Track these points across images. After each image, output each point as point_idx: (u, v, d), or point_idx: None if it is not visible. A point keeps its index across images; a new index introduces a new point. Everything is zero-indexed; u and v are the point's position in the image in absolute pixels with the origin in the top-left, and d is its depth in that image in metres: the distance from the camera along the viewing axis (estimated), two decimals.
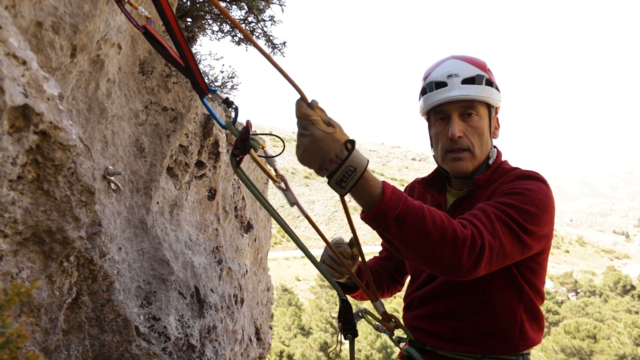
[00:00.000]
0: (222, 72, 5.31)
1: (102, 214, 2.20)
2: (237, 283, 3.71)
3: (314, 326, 35.09)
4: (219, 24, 4.30)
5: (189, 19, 3.98)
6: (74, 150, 1.44)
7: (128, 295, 2.32)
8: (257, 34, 4.40)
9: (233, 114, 1.92)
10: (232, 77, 5.20)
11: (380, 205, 1.49)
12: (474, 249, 1.58)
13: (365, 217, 1.55)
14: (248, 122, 1.82)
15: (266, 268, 4.87)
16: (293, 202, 1.86)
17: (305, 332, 34.93)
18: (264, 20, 4.36)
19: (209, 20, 4.24)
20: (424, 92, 2.08)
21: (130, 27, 2.64)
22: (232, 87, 5.24)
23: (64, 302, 1.58)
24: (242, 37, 4.37)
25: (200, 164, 3.40)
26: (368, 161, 1.47)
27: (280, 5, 4.31)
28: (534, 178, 1.91)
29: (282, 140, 2.13)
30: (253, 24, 4.34)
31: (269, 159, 1.94)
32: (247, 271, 4.07)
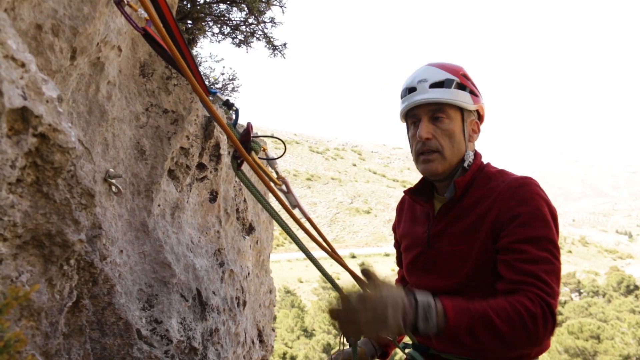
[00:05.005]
0: (222, 74, 5.30)
1: (103, 216, 2.19)
2: (239, 285, 3.70)
3: (317, 328, 35.05)
4: (219, 26, 4.30)
5: (189, 21, 3.97)
6: (73, 152, 1.43)
7: (130, 298, 2.31)
8: (257, 36, 4.39)
9: (234, 117, 1.90)
10: (232, 79, 5.19)
11: (449, 329, 1.57)
12: (547, 322, 1.65)
13: (441, 339, 1.61)
14: (249, 125, 1.82)
15: (268, 270, 4.86)
16: (294, 204, 1.86)
17: (308, 333, 34.89)
18: (265, 22, 4.36)
19: (209, 23, 4.23)
20: (401, 98, 2.17)
21: (131, 29, 2.63)
22: (233, 89, 5.23)
23: (64, 305, 1.57)
24: (242, 39, 4.37)
25: (201, 166, 3.40)
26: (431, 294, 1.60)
27: (281, 6, 4.30)
28: (527, 184, 1.93)
29: (284, 143, 2.13)
30: (253, 25, 4.33)
31: (270, 161, 1.94)
32: (249, 273, 4.06)
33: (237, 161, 1.79)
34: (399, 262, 2.56)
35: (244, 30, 4.27)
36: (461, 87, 2.05)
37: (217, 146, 3.52)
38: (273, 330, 4.93)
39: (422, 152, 2.06)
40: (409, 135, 2.17)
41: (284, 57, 4.44)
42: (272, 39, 4.33)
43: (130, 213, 2.58)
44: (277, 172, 1.99)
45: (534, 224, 1.82)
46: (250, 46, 4.38)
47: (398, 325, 1.50)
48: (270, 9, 4.42)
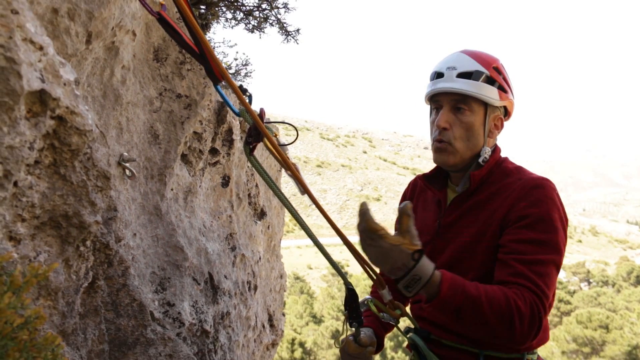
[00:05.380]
0: (235, 59, 5.30)
1: (117, 200, 2.21)
2: (250, 270, 3.73)
3: (326, 314, 35.21)
4: (232, 11, 4.29)
5: (202, 7, 3.97)
6: (90, 135, 1.45)
7: (143, 280, 2.34)
8: (271, 21, 4.38)
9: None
10: (245, 65, 5.18)
11: (438, 302, 1.63)
12: (533, 324, 1.67)
13: (429, 306, 1.68)
14: (262, 110, 1.84)
15: (279, 255, 4.89)
16: (302, 190, 1.88)
17: (317, 320, 35.05)
18: (278, 8, 4.34)
19: (222, 8, 4.23)
20: (429, 80, 2.12)
21: (145, 14, 2.64)
22: (246, 75, 5.22)
23: (80, 286, 1.59)
24: (255, 24, 4.36)
25: (214, 151, 3.41)
26: (435, 267, 1.62)
27: None
28: (543, 187, 1.91)
29: (296, 129, 2.14)
30: (267, 11, 4.32)
31: (282, 147, 1.94)
32: (260, 258, 4.08)
33: (249, 147, 1.80)
34: None
35: (257, 15, 4.26)
36: (490, 80, 1.99)
37: (230, 131, 3.53)
38: (283, 315, 4.96)
39: (437, 140, 2.03)
40: (430, 119, 2.13)
41: (297, 43, 4.43)
42: (285, 25, 4.31)
43: (144, 197, 2.61)
44: (287, 158, 1.99)
45: (540, 227, 1.82)
46: (264, 32, 4.37)
47: (387, 272, 1.60)
48: None
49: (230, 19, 4.28)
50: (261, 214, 4.22)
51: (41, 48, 1.38)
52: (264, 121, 1.83)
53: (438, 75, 2.04)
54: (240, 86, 1.85)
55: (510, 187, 1.96)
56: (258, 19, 4.35)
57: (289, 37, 4.44)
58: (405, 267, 1.58)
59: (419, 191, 2.36)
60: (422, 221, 2.21)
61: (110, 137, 2.35)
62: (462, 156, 2.01)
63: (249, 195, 3.99)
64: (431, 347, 2.09)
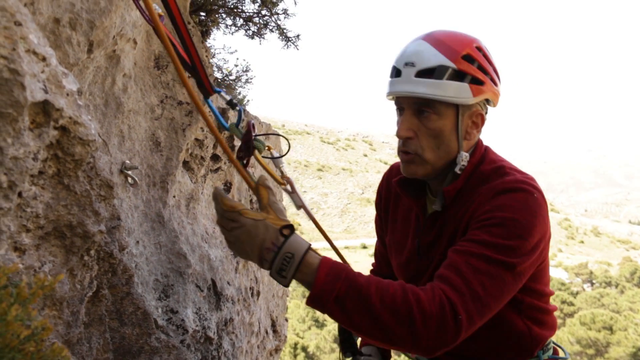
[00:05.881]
0: (236, 65, 5.32)
1: (120, 208, 2.21)
2: (253, 276, 3.73)
3: (328, 318, 35.19)
4: (232, 17, 4.31)
5: (202, 13, 3.99)
6: (93, 145, 1.46)
7: (146, 288, 2.34)
8: (270, 27, 4.40)
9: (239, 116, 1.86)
10: (246, 71, 5.21)
11: (315, 289, 1.34)
12: (444, 327, 1.37)
13: (307, 303, 1.39)
14: (250, 124, 1.71)
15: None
16: (299, 204, 1.79)
17: (320, 324, 35.04)
18: (278, 14, 4.36)
19: (222, 14, 4.25)
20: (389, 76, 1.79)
21: (145, 22, 2.65)
22: (247, 81, 5.25)
23: (85, 295, 1.60)
24: (255, 30, 4.39)
25: (215, 157, 3.42)
26: (309, 245, 1.38)
27: None
28: (517, 190, 1.60)
29: (287, 140, 2.04)
30: (267, 17, 4.34)
31: (276, 159, 1.87)
32: None
33: (242, 162, 1.74)
34: (381, 244, 2.25)
35: (257, 22, 4.28)
36: (458, 76, 1.63)
37: (232, 137, 3.54)
38: (286, 320, 4.96)
39: (402, 151, 1.75)
40: (396, 121, 1.82)
41: (298, 49, 4.44)
42: (285, 31, 4.33)
43: (146, 204, 2.61)
44: (282, 172, 1.85)
45: (498, 231, 1.52)
46: (264, 38, 4.39)
47: (250, 256, 1.36)
48: (282, 0, 4.43)
49: (230, 26, 4.31)
50: None
51: (44, 59, 1.39)
52: (254, 134, 1.76)
53: (396, 72, 1.71)
54: (231, 100, 1.82)
55: (480, 193, 1.67)
56: (258, 25, 4.37)
57: (289, 43, 4.46)
58: (274, 245, 1.32)
59: (396, 193, 2.06)
60: (403, 234, 1.98)
61: (112, 145, 2.35)
62: (434, 166, 1.73)
63: (250, 201, 3.99)
64: None
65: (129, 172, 2.40)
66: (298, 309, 36.70)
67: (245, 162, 1.71)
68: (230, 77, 5.18)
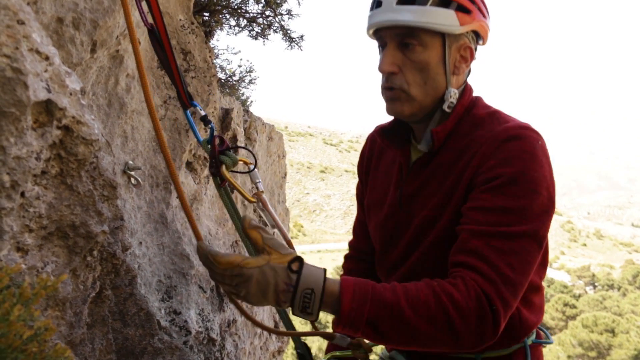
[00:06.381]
0: (239, 66, 5.32)
1: (123, 208, 2.21)
2: None
3: (330, 319, 35.20)
4: (236, 18, 4.31)
5: (206, 14, 3.98)
6: (96, 144, 1.45)
7: (149, 289, 2.33)
8: (274, 28, 4.40)
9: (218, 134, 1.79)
10: (249, 72, 5.21)
11: (343, 319, 1.27)
12: (484, 319, 1.30)
13: (338, 329, 1.32)
14: (215, 139, 1.63)
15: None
16: (271, 223, 1.70)
17: (322, 326, 35.05)
18: (281, 14, 4.35)
19: (226, 15, 4.25)
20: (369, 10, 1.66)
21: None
22: (250, 82, 5.25)
23: (88, 296, 1.59)
24: (259, 31, 4.39)
25: None
26: (325, 271, 1.30)
27: None
28: (522, 138, 1.48)
29: (254, 156, 1.90)
30: (270, 17, 4.34)
31: (252, 173, 1.75)
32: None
33: (217, 178, 1.68)
34: (361, 211, 2.10)
35: (261, 22, 4.28)
36: (443, 2, 1.52)
37: (235, 138, 3.54)
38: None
39: (386, 88, 1.61)
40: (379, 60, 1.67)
41: (301, 50, 4.44)
42: (289, 31, 4.33)
43: (149, 205, 2.60)
44: (257, 186, 1.76)
45: (510, 190, 1.41)
46: (267, 38, 4.39)
47: (267, 303, 1.26)
48: (286, 1, 4.43)
49: (234, 26, 4.31)
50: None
51: (47, 58, 1.38)
52: (220, 148, 1.68)
53: (377, 3, 1.58)
54: (205, 117, 1.78)
55: (479, 141, 1.54)
56: (262, 25, 4.36)
57: (293, 44, 4.45)
58: (289, 285, 1.23)
59: (379, 150, 1.93)
60: (384, 189, 1.82)
61: (115, 146, 2.35)
62: (421, 104, 1.59)
63: None
64: (416, 357, 1.74)
65: (132, 173, 2.40)
66: None
67: (219, 179, 1.63)
68: (234, 78, 5.18)
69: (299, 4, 4.34)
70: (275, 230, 2.07)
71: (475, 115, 1.62)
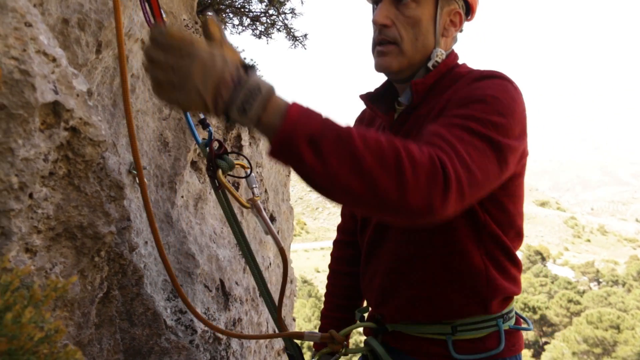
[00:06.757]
0: None
1: (129, 208, 2.21)
2: None
3: (302, 324, 35.25)
4: (239, 17, 4.31)
5: (209, 13, 3.98)
6: (103, 145, 1.45)
7: (155, 289, 2.34)
8: (278, 27, 4.40)
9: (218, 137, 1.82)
10: None
11: (285, 126, 1.09)
12: (434, 181, 1.16)
13: (272, 149, 1.12)
14: (212, 143, 1.62)
15: (289, 261, 4.89)
16: (265, 230, 1.70)
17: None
18: (285, 13, 4.35)
19: (229, 14, 4.25)
20: None
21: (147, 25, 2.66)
22: None
23: (95, 296, 1.60)
24: (262, 30, 4.38)
25: None
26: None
27: None
28: (496, 77, 1.51)
29: (249, 161, 1.92)
30: (274, 16, 4.34)
31: (248, 178, 1.77)
32: (270, 263, 4.08)
33: (215, 180, 1.70)
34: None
35: (264, 21, 4.27)
36: None
37: (239, 137, 3.54)
38: (294, 319, 4.96)
39: (378, 42, 1.64)
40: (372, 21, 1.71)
41: (305, 48, 4.43)
42: (292, 30, 4.33)
43: (155, 204, 2.61)
44: (252, 192, 1.77)
45: (478, 106, 1.39)
46: (271, 37, 4.38)
47: (202, 96, 1.09)
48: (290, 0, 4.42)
49: (238, 25, 4.30)
50: (270, 220, 4.22)
51: (54, 60, 1.38)
52: (217, 152, 1.70)
53: None
54: (204, 120, 1.79)
55: (455, 87, 1.56)
56: (265, 24, 4.36)
57: (297, 42, 4.44)
58: (235, 80, 1.09)
59: (369, 119, 1.96)
60: None
61: (120, 146, 2.35)
62: (410, 60, 1.62)
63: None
64: (390, 341, 1.76)
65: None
66: (304, 308, 36.75)
67: (217, 182, 1.65)
68: None
69: (302, 3, 4.33)
70: (269, 237, 2.06)
71: (456, 73, 1.65)
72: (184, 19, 3.16)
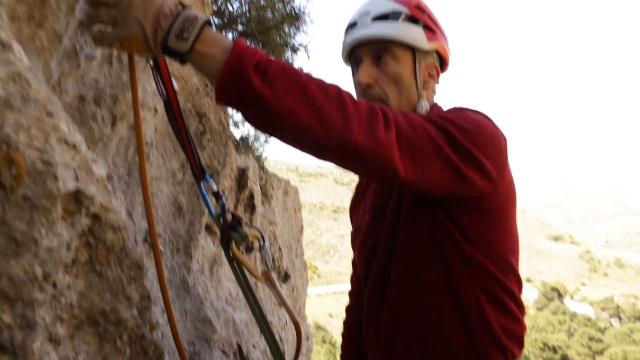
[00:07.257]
0: None
1: (145, 278, 2.21)
2: (277, 336, 3.68)
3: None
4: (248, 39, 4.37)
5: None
6: (124, 231, 1.46)
7: (173, 358, 2.31)
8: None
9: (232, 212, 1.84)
10: None
11: (234, 52, 1.16)
12: (374, 112, 1.25)
13: (220, 79, 1.18)
14: (225, 214, 1.67)
15: (304, 317, 4.84)
16: (278, 302, 1.72)
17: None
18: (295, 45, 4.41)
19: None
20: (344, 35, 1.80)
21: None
22: (266, 141, 5.28)
23: None
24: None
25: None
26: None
27: (306, 52, 4.39)
28: (474, 111, 1.54)
29: (261, 234, 1.89)
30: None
31: (262, 250, 1.79)
32: (286, 323, 4.04)
33: (230, 252, 1.72)
34: (354, 267, 2.17)
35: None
36: (411, 20, 1.66)
37: (252, 197, 3.56)
38: None
39: None
40: (354, 82, 1.77)
41: (309, 56, 4.44)
42: (297, 47, 4.31)
43: (171, 271, 2.61)
44: (267, 264, 1.80)
45: (447, 116, 1.44)
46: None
47: (142, 26, 1.20)
48: (296, 54, 4.50)
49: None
50: (285, 277, 4.20)
51: (74, 146, 1.41)
52: (230, 224, 1.72)
53: (352, 26, 1.73)
54: (217, 193, 1.82)
55: None
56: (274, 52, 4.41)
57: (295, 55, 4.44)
58: (173, 12, 1.19)
59: (363, 188, 2.02)
60: (362, 216, 1.89)
61: (136, 214, 2.37)
62: None
63: (272, 259, 3.98)
64: None
65: None
66: (318, 355, 36.13)
67: (231, 253, 1.67)
68: (249, 138, 5.21)
69: (308, 57, 4.42)
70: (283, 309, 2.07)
71: None
72: (195, 82, 3.21)
